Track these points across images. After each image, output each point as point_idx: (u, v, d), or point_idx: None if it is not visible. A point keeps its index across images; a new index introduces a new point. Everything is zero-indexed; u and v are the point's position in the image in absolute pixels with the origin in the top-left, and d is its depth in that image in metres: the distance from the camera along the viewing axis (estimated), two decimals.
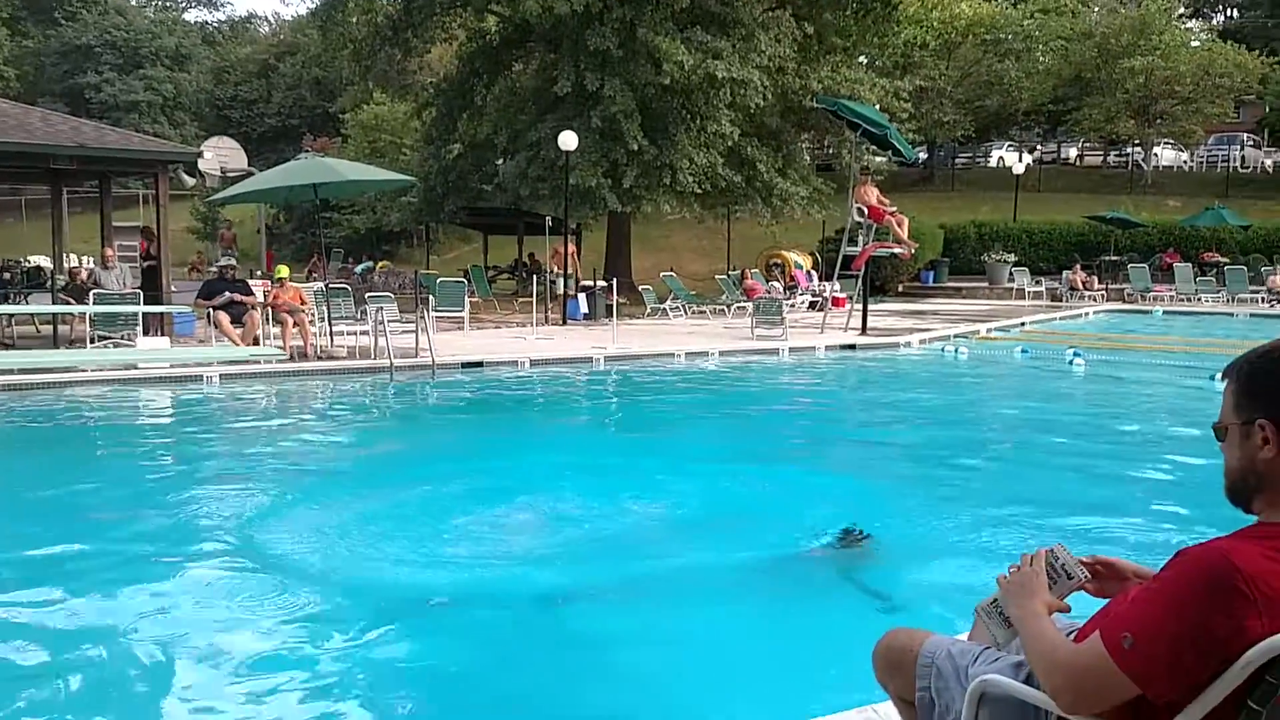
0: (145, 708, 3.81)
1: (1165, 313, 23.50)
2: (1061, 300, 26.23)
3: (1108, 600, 2.06)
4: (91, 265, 19.42)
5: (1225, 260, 28.29)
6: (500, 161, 26.14)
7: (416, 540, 5.95)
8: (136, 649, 4.25)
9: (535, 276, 21.91)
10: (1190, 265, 27.42)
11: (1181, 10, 47.89)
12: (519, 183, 23.95)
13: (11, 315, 15.32)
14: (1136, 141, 43.59)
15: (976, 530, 6.11)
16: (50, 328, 15.56)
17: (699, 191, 23.72)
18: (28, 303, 16.64)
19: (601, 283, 20.70)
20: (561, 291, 20.86)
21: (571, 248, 24.47)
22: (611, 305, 18.07)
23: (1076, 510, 6.56)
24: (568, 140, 19.91)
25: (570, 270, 21.94)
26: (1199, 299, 25.73)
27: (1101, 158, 48.11)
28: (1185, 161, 46.06)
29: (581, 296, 20.40)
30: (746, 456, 8.57)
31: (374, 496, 7.10)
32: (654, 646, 4.47)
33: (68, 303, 14.85)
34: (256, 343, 13.55)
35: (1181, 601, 1.72)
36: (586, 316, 19.95)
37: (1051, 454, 8.54)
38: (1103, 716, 1.84)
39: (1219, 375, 1.96)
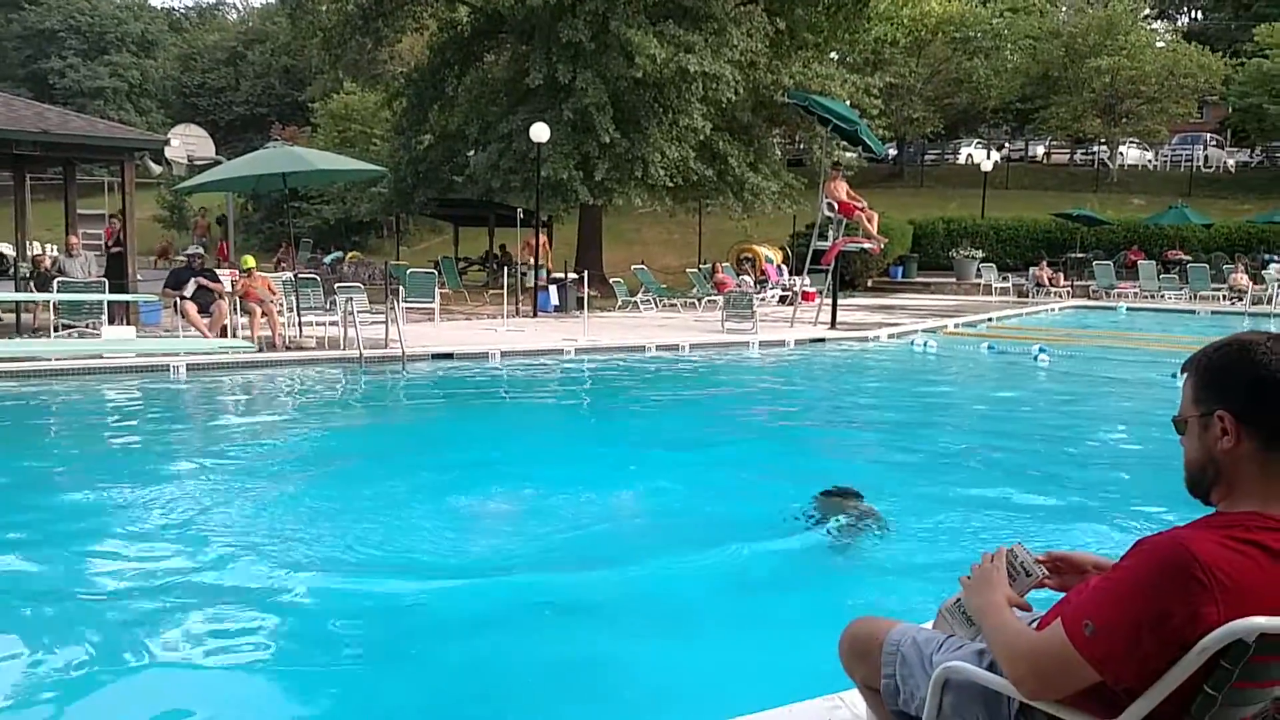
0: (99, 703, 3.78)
1: (1129, 309, 23.82)
2: (1028, 296, 26.51)
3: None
4: (55, 253, 19.17)
5: (1188, 258, 28.72)
6: (471, 153, 26.03)
7: (386, 532, 5.93)
8: (85, 642, 4.23)
9: (506, 268, 21.86)
10: (1154, 263, 27.80)
11: (1147, 11, 48.45)
12: (490, 174, 23.85)
13: None
14: (1102, 140, 44.10)
15: (942, 523, 6.18)
16: (13, 316, 15.35)
17: (670, 185, 23.74)
18: None
19: (573, 275, 20.69)
20: (533, 284, 20.83)
21: (543, 239, 24.44)
22: (583, 298, 18.07)
23: (1040, 503, 6.66)
24: (539, 132, 19.86)
25: (541, 261, 21.88)
26: (1162, 296, 26.09)
27: (1068, 156, 48.64)
28: (1150, 160, 46.67)
29: (552, 289, 20.38)
30: (713, 447, 8.62)
31: (338, 487, 7.06)
32: (624, 637, 4.49)
33: (31, 291, 14.67)
34: (225, 333, 13.44)
35: (1141, 589, 1.76)
36: (557, 309, 19.93)
37: (1015, 449, 8.64)
38: (1063, 703, 1.88)
39: (1180, 370, 2.00)
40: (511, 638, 4.48)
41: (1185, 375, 1.97)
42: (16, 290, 15.66)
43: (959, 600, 2.20)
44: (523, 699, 3.89)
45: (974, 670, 2.05)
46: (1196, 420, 1.91)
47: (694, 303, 22.00)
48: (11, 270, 17.16)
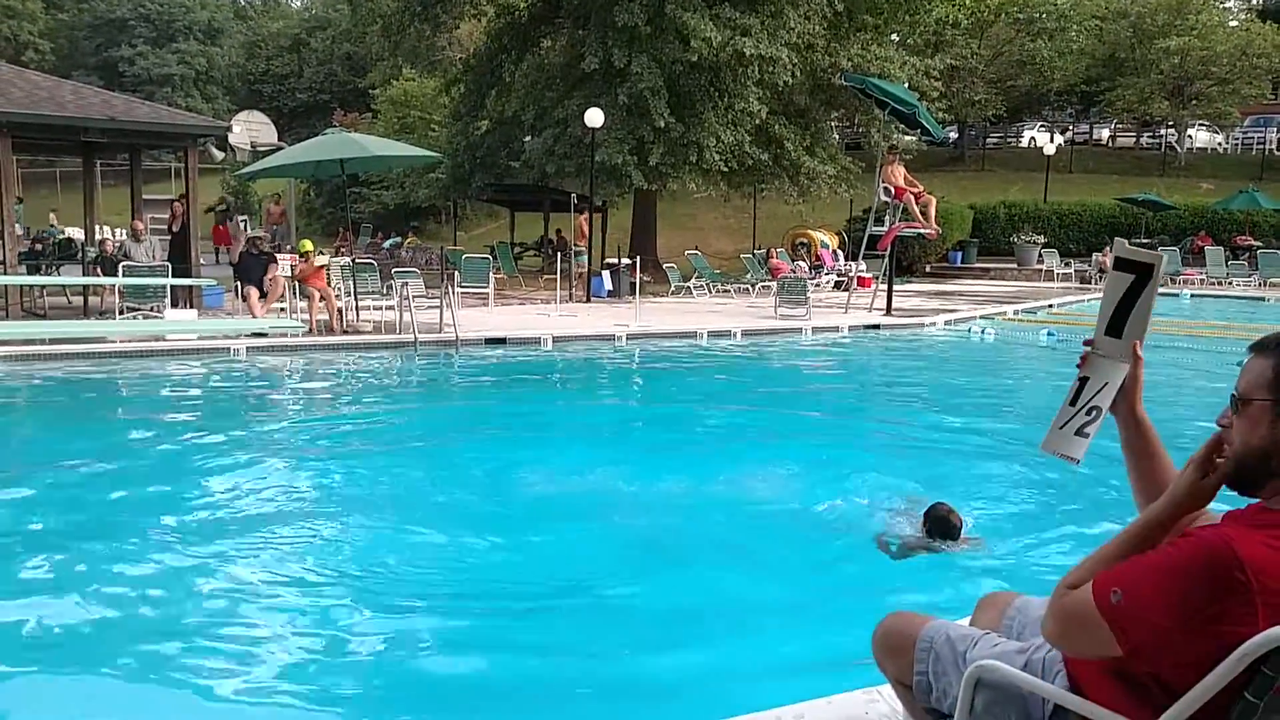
0: (174, 683, 3.88)
1: (1193, 296, 23.22)
2: (1091, 283, 25.98)
3: None
4: (122, 238, 19.63)
5: (1258, 244, 27.91)
6: (527, 138, 26.11)
7: (440, 515, 6.01)
8: (157, 619, 4.33)
9: (560, 253, 21.94)
10: (1222, 249, 27.07)
11: None
12: (545, 159, 23.93)
13: (44, 286, 15.54)
14: (1170, 123, 42.98)
15: (1001, 515, 6.10)
16: (81, 299, 15.77)
17: (726, 170, 23.61)
18: (60, 274, 16.87)
19: (626, 260, 20.70)
20: (586, 268, 20.88)
21: (581, 221, 24.44)
22: (635, 283, 18.07)
23: (1110, 497, 6.45)
24: (594, 117, 19.87)
25: (580, 246, 21.87)
26: (1230, 283, 25.41)
27: (1134, 139, 47.46)
28: (1220, 143, 45.38)
29: (606, 274, 20.40)
30: (759, 435, 8.59)
31: (392, 469, 7.17)
32: (676, 622, 4.51)
33: (98, 274, 15.04)
34: (283, 309, 13.68)
35: (1176, 577, 1.72)
36: (611, 294, 19.96)
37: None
38: (1098, 702, 1.86)
39: (1249, 350, 1.88)
40: (561, 622, 4.52)
41: (1256, 355, 1.85)
42: (84, 274, 16.08)
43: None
44: (561, 682, 3.93)
45: (1008, 670, 2.02)
46: (1268, 406, 1.79)
47: (747, 288, 21.90)
48: (79, 254, 17.59)
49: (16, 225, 19.57)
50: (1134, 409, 2.17)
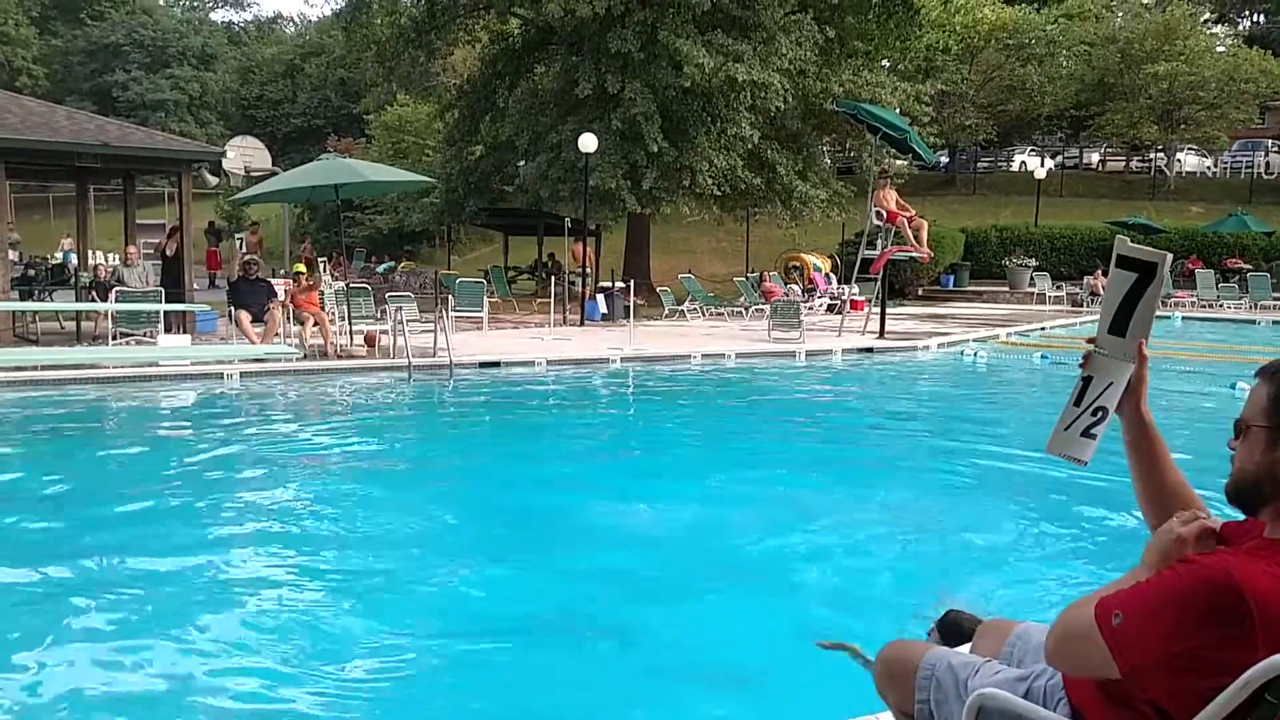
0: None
1: (1184, 319, 23.32)
2: (1082, 306, 26.09)
3: None
4: (115, 263, 19.63)
5: (1248, 266, 28.08)
6: (521, 163, 26.22)
7: (435, 541, 5.99)
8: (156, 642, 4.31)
9: (554, 277, 21.97)
10: (1212, 272, 27.22)
11: (1207, 16, 47.52)
12: (539, 184, 24.02)
13: (36, 311, 15.50)
14: (1159, 147, 43.29)
15: (993, 542, 6.09)
16: (74, 323, 15.73)
17: (718, 194, 23.72)
18: (52, 298, 16.84)
19: (620, 284, 20.74)
20: (580, 291, 20.91)
21: (575, 245, 24.49)
22: (629, 306, 18.11)
23: (1112, 523, 6.44)
24: (588, 142, 19.96)
25: (574, 267, 21.89)
26: (1221, 305, 25.54)
27: (1124, 163, 47.74)
28: (1209, 167, 45.70)
29: (600, 297, 20.44)
30: (755, 460, 8.58)
31: (383, 495, 7.14)
32: (665, 649, 4.49)
33: (92, 299, 15.02)
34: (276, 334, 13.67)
35: (1178, 608, 1.72)
36: (604, 317, 19.99)
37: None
38: None
39: (1255, 375, 1.91)
40: (559, 651, 4.50)
41: (1259, 380, 1.88)
42: (77, 299, 16.05)
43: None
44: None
45: (1010, 698, 2.01)
46: (1266, 432, 1.82)
47: (741, 311, 21.95)
48: (72, 279, 17.57)
49: (12, 251, 19.64)
50: (1139, 409, 2.17)
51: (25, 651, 4.19)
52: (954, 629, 4.64)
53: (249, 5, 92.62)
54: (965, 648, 2.41)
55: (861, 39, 25.51)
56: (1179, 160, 43.76)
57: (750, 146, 23.07)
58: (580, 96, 22.23)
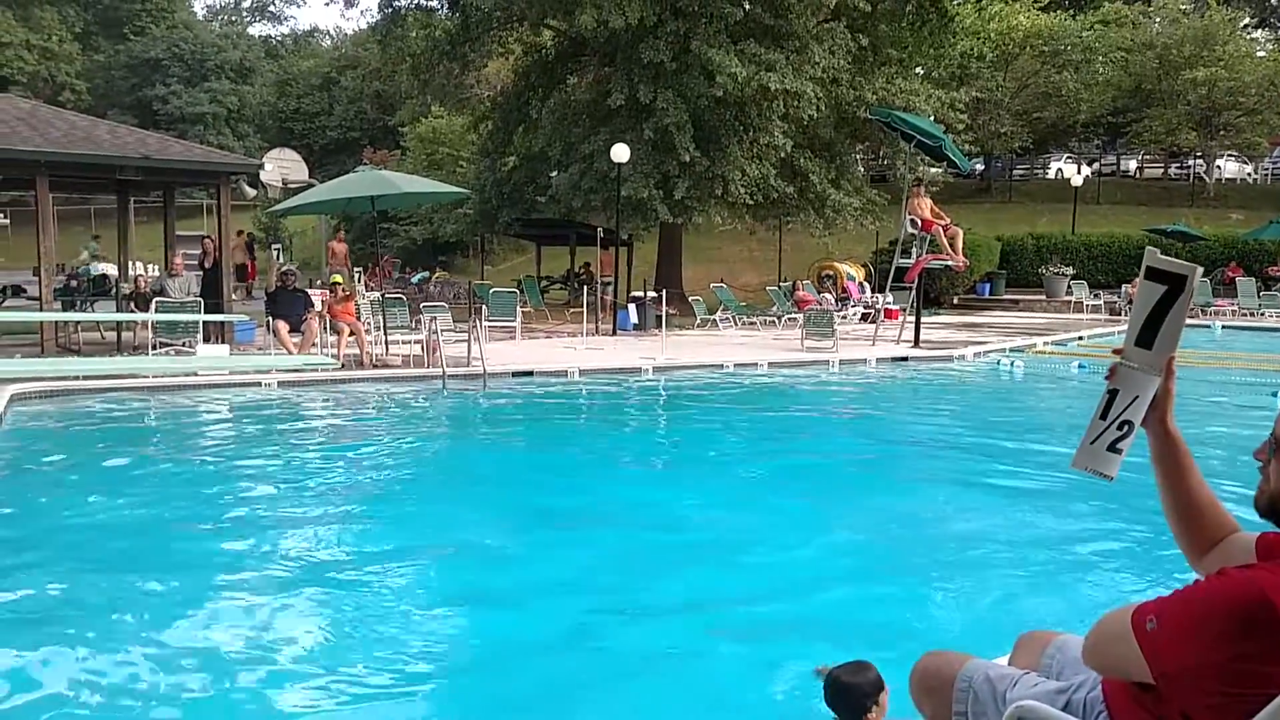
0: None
1: (1224, 328, 22.98)
2: (1120, 314, 25.75)
3: None
4: (155, 273, 19.92)
5: None
6: (554, 173, 26.36)
7: (469, 553, 6.02)
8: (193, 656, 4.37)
9: (587, 287, 22.04)
10: (1254, 280, 26.81)
11: (1246, 20, 46.91)
12: (572, 194, 24.14)
13: (78, 322, 15.77)
14: (1198, 153, 42.77)
15: (1021, 558, 6.04)
16: (114, 334, 15.98)
17: (751, 203, 23.71)
18: (94, 309, 17.12)
19: (652, 293, 20.76)
20: (612, 301, 20.95)
21: (605, 255, 24.55)
22: (661, 316, 18.12)
23: (1141, 535, 6.37)
24: (620, 152, 20.01)
25: (599, 276, 21.93)
26: (1263, 314, 25.15)
27: (1162, 170, 47.19)
28: (1249, 174, 45.09)
29: (632, 307, 20.46)
30: (787, 470, 8.56)
31: (421, 505, 7.20)
32: (691, 658, 4.49)
33: (131, 309, 15.25)
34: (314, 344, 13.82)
35: (1210, 619, 1.73)
36: (636, 327, 20.01)
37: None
38: None
39: None
40: (580, 662, 4.51)
41: None
42: (118, 309, 16.30)
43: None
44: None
45: (1048, 710, 2.00)
46: None
47: (773, 321, 21.88)
48: (113, 290, 17.85)
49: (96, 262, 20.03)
50: (1165, 422, 2.15)
51: (68, 647, 4.26)
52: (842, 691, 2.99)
53: (285, 19, 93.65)
54: (1003, 660, 2.39)
55: (895, 46, 25.42)
56: (1218, 167, 43.18)
57: (783, 155, 23.06)
58: (613, 107, 22.32)
